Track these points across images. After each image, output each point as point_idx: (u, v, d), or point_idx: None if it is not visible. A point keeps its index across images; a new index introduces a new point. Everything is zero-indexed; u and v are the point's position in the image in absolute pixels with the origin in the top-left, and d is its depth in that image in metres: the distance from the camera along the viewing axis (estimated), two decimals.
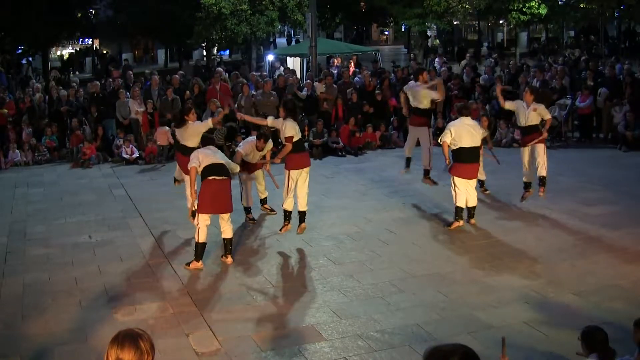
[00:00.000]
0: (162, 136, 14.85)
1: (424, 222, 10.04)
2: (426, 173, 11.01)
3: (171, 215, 10.65)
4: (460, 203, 9.56)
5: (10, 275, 8.38)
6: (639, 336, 5.07)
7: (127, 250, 9.19)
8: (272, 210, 10.47)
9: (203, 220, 8.23)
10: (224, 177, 8.27)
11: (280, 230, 9.37)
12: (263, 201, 10.59)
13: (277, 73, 21.94)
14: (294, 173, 9.08)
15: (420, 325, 6.60)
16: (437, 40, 42.15)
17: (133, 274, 8.27)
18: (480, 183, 11.21)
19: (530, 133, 10.24)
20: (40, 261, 8.85)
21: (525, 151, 10.38)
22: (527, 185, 10.49)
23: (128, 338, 3.02)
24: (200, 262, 8.34)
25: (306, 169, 9.16)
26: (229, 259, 8.49)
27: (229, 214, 8.40)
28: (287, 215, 9.32)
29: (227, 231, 8.47)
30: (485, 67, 20.92)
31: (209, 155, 8.35)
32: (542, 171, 10.22)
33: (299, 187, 9.18)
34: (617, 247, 8.69)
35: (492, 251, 8.70)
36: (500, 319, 6.71)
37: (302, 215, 9.36)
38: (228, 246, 8.55)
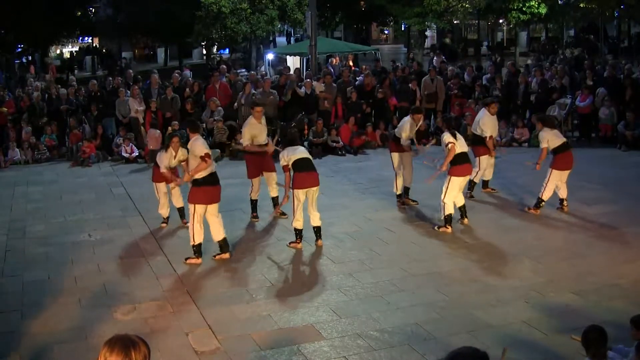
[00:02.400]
0: (153, 139, 14.91)
1: (424, 221, 10.03)
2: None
3: (171, 214, 10.63)
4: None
5: (10, 273, 8.38)
6: (634, 333, 5.09)
7: (127, 249, 9.19)
8: (283, 213, 10.13)
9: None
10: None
11: (289, 244, 9.05)
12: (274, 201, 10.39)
13: (269, 71, 21.98)
14: (298, 192, 8.76)
15: (420, 325, 6.60)
16: (448, 39, 42.03)
17: (132, 273, 8.27)
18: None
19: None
20: (39, 260, 8.85)
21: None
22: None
23: (120, 343, 2.94)
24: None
25: (314, 188, 8.82)
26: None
27: None
28: (298, 233, 8.99)
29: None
30: (486, 67, 20.92)
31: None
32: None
33: (309, 204, 8.88)
34: (617, 246, 8.70)
35: (491, 250, 8.70)
36: (499, 318, 6.71)
37: (316, 231, 9.02)
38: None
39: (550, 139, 9.94)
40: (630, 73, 17.19)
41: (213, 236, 8.62)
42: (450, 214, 9.48)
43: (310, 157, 9.01)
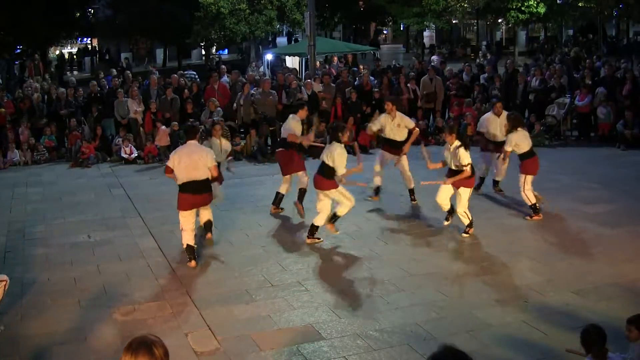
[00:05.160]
0: (164, 136, 15.02)
1: (423, 221, 10.04)
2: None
3: (170, 215, 10.61)
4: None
5: (9, 275, 8.30)
6: (633, 334, 5.10)
7: (126, 249, 9.18)
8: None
9: None
10: None
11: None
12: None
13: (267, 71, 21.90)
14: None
15: (420, 324, 6.60)
16: (475, 40, 42.02)
17: (132, 274, 8.26)
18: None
19: None
20: (39, 261, 8.85)
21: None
22: None
23: (142, 345, 3.00)
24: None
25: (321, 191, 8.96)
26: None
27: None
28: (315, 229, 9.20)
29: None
30: (485, 65, 20.93)
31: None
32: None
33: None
34: (616, 246, 8.69)
35: (491, 250, 8.70)
36: (499, 317, 6.72)
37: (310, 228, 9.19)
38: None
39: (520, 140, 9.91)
40: (629, 69, 17.15)
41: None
42: (471, 220, 9.28)
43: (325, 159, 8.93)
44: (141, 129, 16.07)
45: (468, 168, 9.01)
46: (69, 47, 42.02)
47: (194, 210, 8.60)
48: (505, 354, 5.97)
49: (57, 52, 40.06)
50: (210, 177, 8.51)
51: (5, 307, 7.28)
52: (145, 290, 7.71)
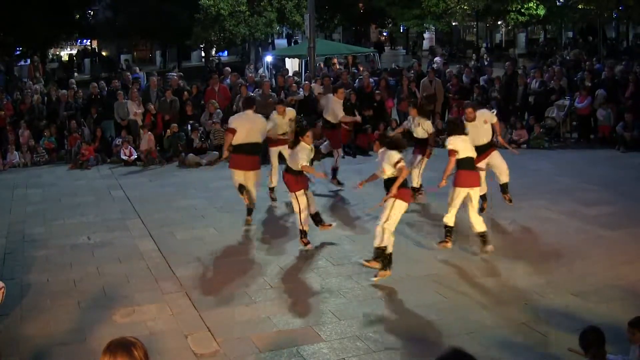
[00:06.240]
0: (149, 141, 15.09)
1: (423, 223, 10.03)
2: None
3: (170, 216, 10.66)
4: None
5: (9, 276, 8.37)
6: (635, 336, 5.10)
7: (126, 251, 9.19)
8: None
9: None
10: None
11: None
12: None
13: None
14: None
15: (419, 326, 6.60)
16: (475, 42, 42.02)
17: (132, 275, 8.27)
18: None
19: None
20: (39, 262, 8.85)
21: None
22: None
23: (120, 347, 2.96)
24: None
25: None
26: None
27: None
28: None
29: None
30: (484, 67, 20.93)
31: None
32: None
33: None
34: (616, 248, 8.69)
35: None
36: (499, 319, 6.72)
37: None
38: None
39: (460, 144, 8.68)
40: (635, 71, 17.06)
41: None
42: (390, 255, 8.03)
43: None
44: (141, 130, 16.06)
45: (401, 164, 7.68)
46: (68, 49, 42.02)
47: (242, 172, 9.78)
48: (505, 355, 5.97)
49: (64, 53, 40.10)
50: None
51: (5, 308, 7.29)
52: (145, 292, 7.72)
